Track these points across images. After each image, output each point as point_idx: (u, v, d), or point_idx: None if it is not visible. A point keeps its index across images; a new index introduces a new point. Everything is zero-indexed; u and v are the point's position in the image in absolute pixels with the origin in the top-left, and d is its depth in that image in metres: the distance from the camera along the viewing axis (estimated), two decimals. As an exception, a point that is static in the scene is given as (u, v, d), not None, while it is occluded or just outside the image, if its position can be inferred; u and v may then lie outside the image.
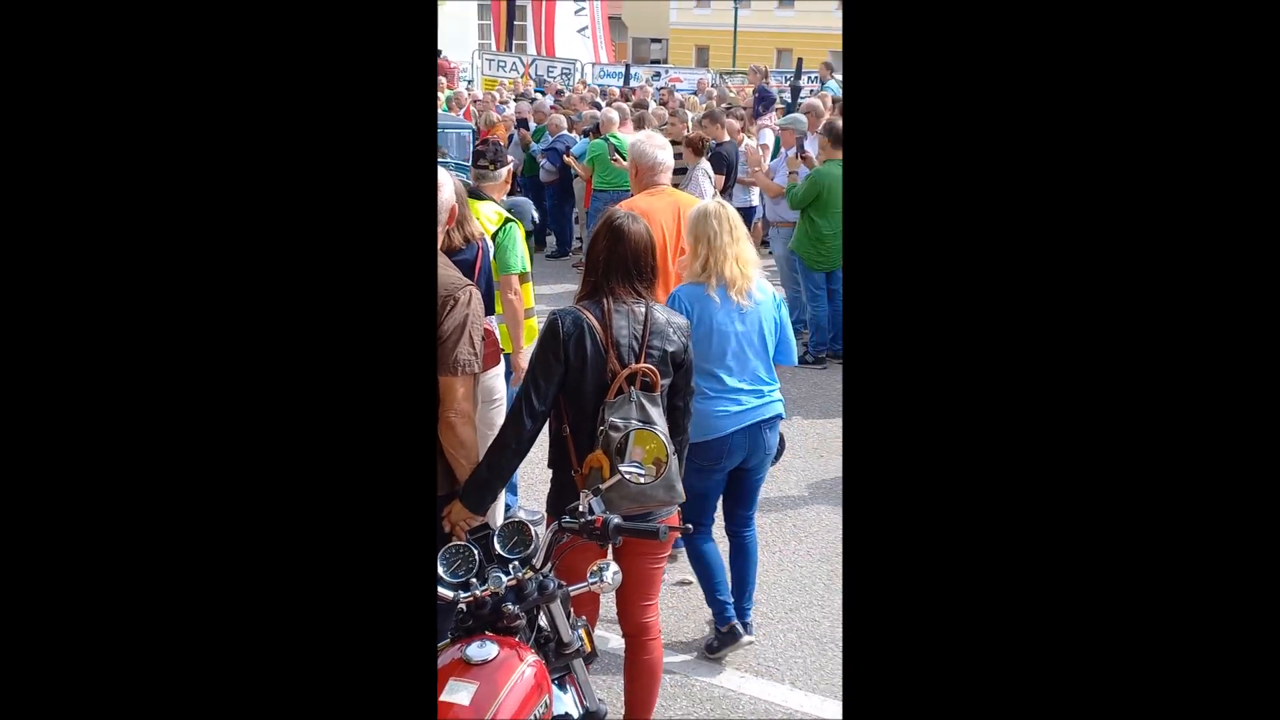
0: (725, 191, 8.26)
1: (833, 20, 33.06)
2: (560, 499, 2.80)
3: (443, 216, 3.12)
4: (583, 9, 26.57)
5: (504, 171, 4.62)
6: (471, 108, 13.16)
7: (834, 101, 10.22)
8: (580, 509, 2.33)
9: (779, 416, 3.63)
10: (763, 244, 8.09)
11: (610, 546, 2.48)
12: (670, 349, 2.79)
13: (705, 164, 7.60)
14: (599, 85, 18.35)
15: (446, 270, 2.77)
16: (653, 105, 11.73)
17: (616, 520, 2.31)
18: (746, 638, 3.80)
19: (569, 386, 2.72)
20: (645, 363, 2.73)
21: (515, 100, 14.00)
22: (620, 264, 2.80)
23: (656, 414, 2.70)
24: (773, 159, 8.51)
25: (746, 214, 8.86)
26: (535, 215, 9.70)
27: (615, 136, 9.12)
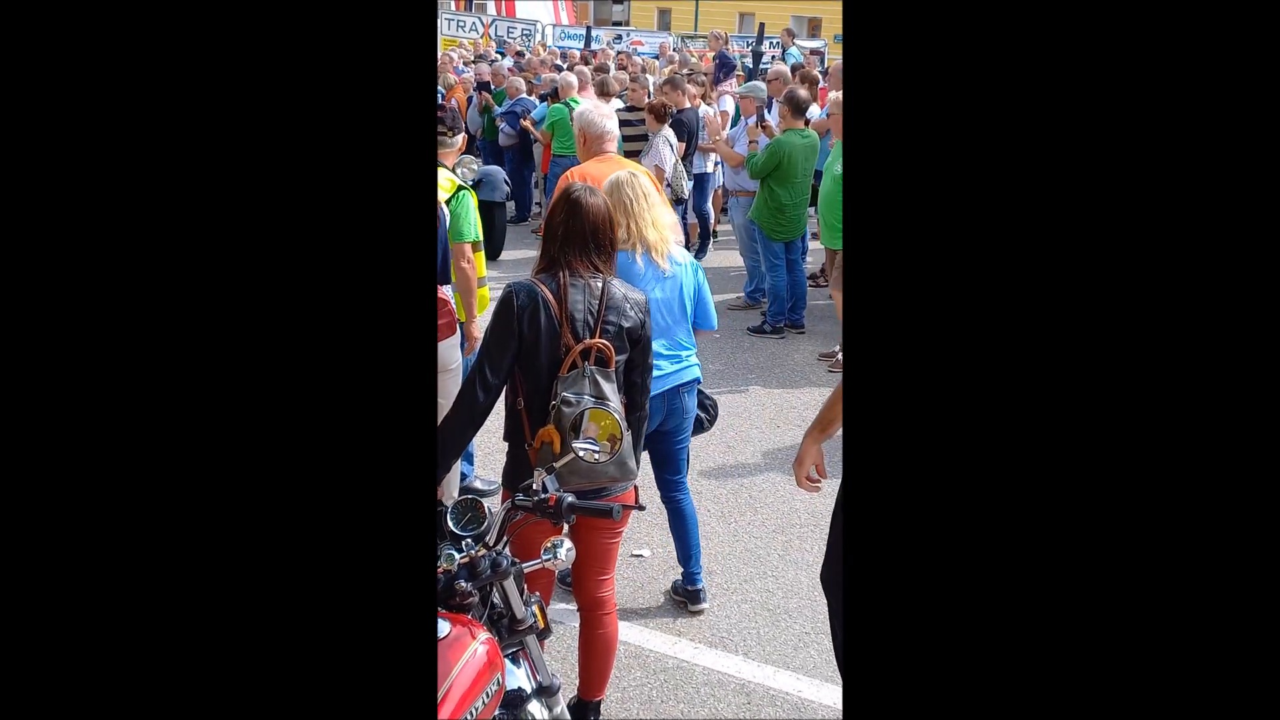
0: (686, 158, 8.22)
1: (795, -15, 32.88)
2: (515, 472, 2.79)
3: None
4: (543, -32, 26.23)
5: (460, 139, 4.57)
6: None
7: (794, 69, 10.17)
8: (534, 486, 2.32)
9: (696, 380, 3.70)
10: (722, 211, 8.08)
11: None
12: (627, 325, 2.78)
13: (668, 131, 7.54)
14: (559, 47, 18.15)
15: None
16: (612, 70, 11.61)
17: (570, 499, 2.30)
18: (696, 605, 3.88)
19: (523, 360, 2.71)
20: (600, 338, 2.72)
21: (475, 62, 13.81)
22: (578, 237, 2.78)
23: (610, 390, 2.69)
24: (732, 127, 8.46)
25: (702, 180, 8.84)
26: (509, 185, 9.61)
27: (575, 101, 9.04)
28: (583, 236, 2.78)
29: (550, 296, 2.70)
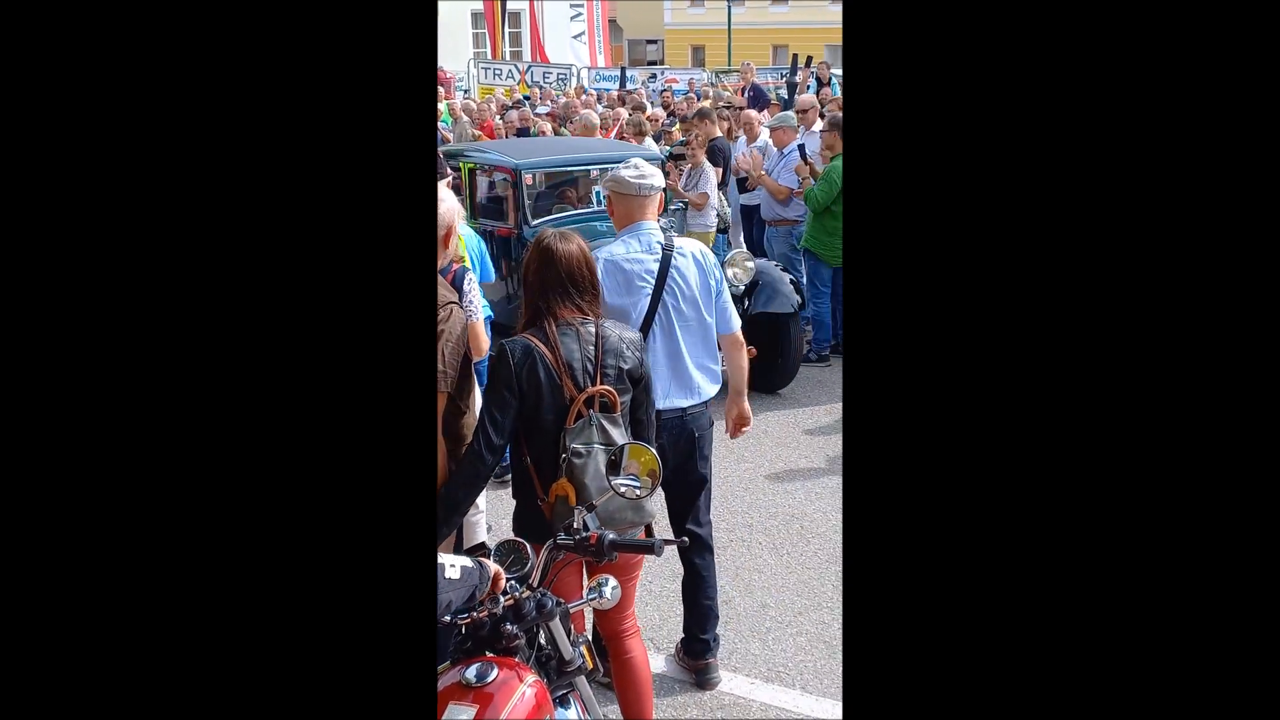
0: (723, 185, 8.24)
1: (827, 14, 33.06)
2: (526, 525, 2.79)
3: (441, 231, 3.10)
4: (580, 14, 26.60)
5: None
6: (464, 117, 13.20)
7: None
8: (574, 525, 2.31)
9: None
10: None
11: (588, 565, 2.47)
12: (626, 366, 2.76)
13: (707, 163, 7.62)
14: (596, 89, 18.36)
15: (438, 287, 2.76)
16: (648, 108, 11.74)
17: (612, 536, 2.29)
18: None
19: (526, 417, 2.69)
20: (601, 383, 2.71)
21: (509, 109, 14.02)
22: (556, 284, 2.76)
23: (618, 434, 2.67)
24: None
25: (751, 210, 8.79)
26: None
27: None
28: (560, 282, 2.75)
29: (544, 348, 2.67)
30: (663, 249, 3.35)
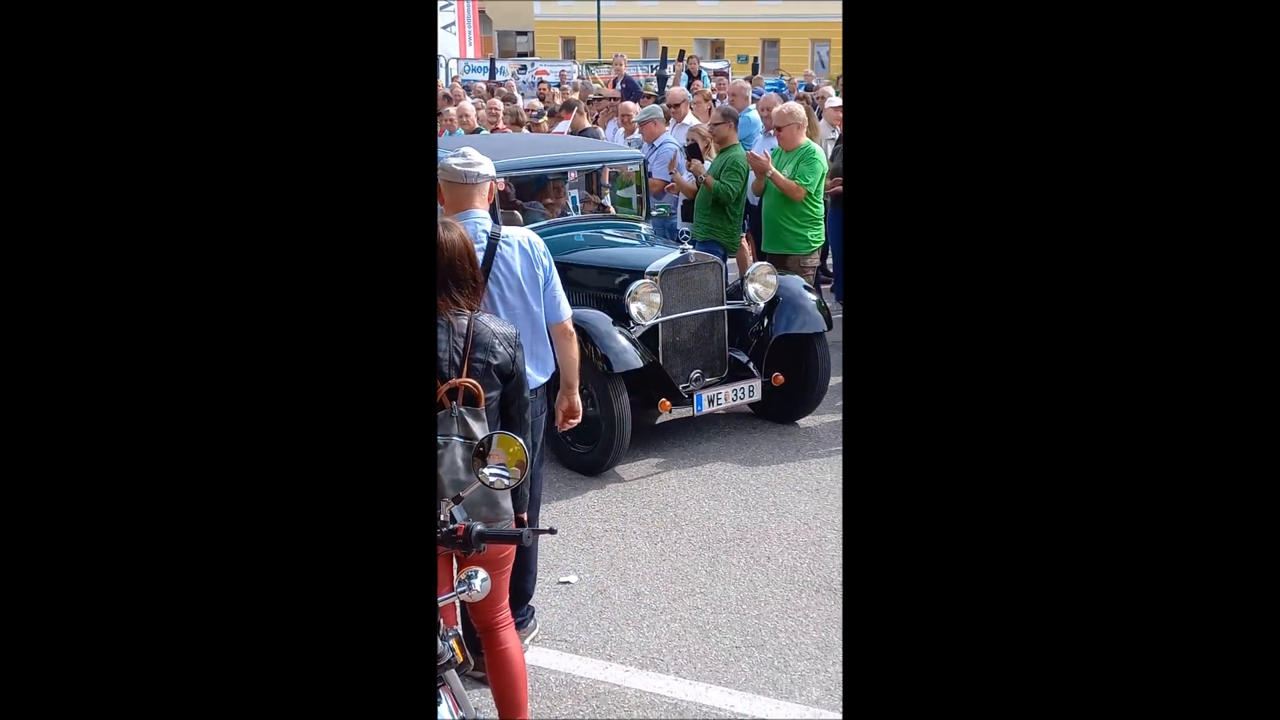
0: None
1: (697, 9, 33.40)
2: None
3: None
4: (449, 4, 26.21)
5: None
6: None
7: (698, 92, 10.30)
8: (441, 517, 2.28)
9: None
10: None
11: (458, 557, 2.44)
12: (496, 361, 2.76)
13: None
14: (465, 80, 18.12)
15: None
16: (521, 100, 11.67)
17: (479, 527, 2.27)
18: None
19: None
20: (468, 376, 2.70)
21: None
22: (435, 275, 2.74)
23: (480, 429, 2.66)
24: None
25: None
26: None
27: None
28: (440, 274, 2.74)
29: None
30: (488, 237, 3.38)
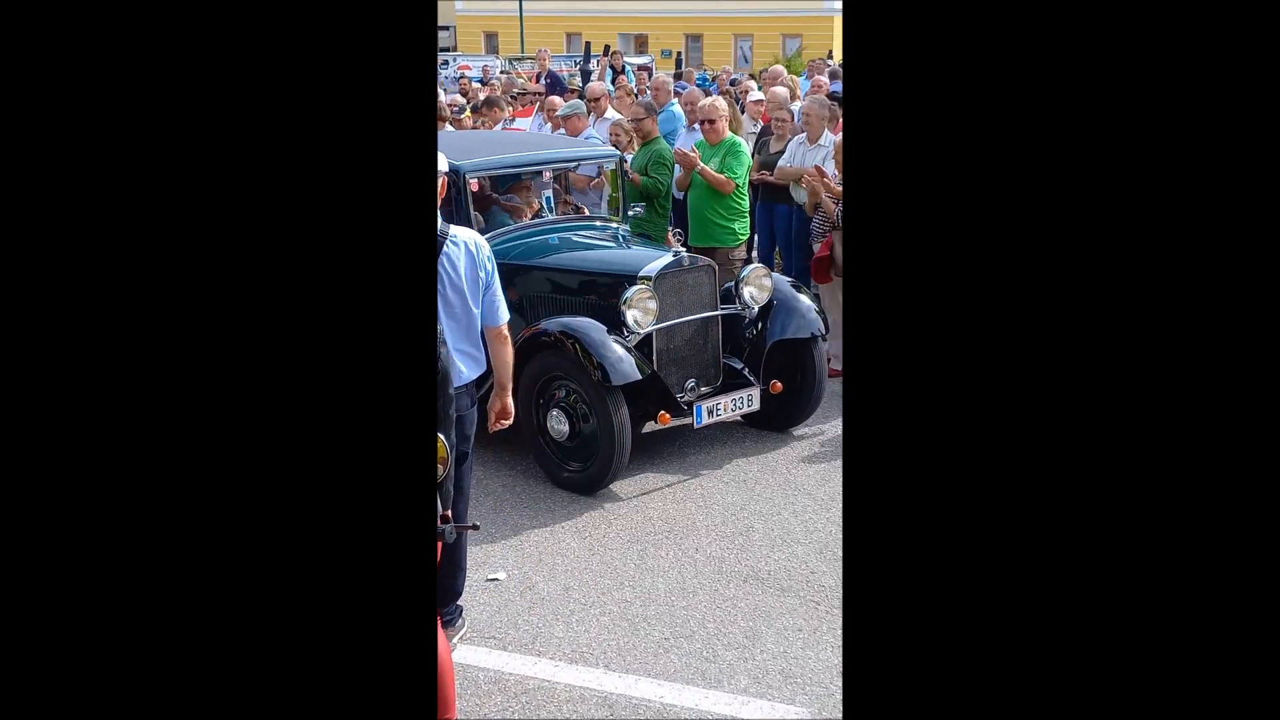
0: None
1: (619, 4, 33.37)
2: None
3: None
4: (365, -2, 25.85)
5: None
6: None
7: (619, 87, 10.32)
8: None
9: None
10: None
11: None
12: None
13: None
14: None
15: None
16: (443, 96, 11.57)
17: (400, 525, 2.25)
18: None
19: None
20: None
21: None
22: None
23: None
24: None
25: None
26: None
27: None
28: None
29: None
30: (436, 235, 3.39)
